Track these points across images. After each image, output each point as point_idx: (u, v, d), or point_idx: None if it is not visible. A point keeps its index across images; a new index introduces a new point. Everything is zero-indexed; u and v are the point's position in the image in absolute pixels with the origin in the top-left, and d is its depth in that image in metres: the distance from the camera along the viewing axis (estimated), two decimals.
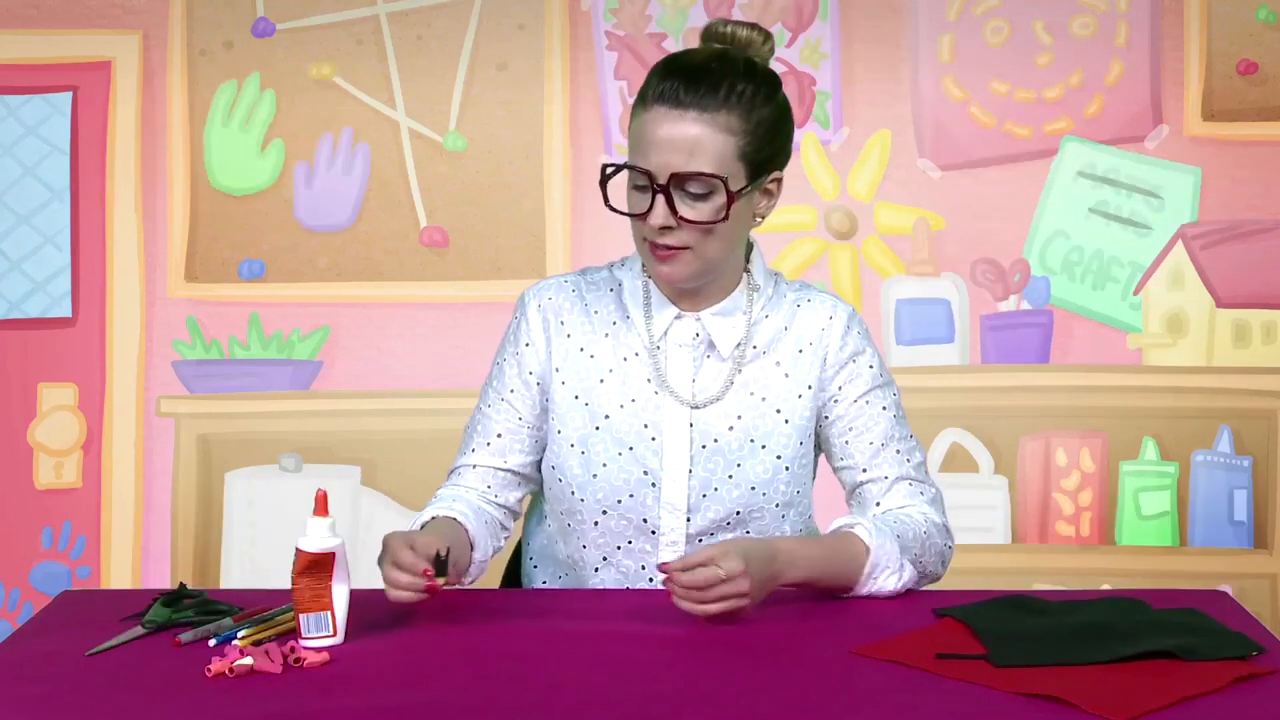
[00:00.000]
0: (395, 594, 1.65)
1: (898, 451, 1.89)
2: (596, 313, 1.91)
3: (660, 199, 1.76)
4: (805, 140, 3.30)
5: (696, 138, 1.75)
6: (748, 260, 1.91)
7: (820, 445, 1.94)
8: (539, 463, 1.94)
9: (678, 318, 1.87)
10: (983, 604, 1.73)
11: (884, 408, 1.89)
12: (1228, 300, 3.30)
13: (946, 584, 1.84)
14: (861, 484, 1.89)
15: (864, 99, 3.32)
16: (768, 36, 1.85)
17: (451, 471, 1.96)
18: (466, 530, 1.84)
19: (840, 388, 1.88)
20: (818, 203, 3.31)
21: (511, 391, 1.92)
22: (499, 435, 1.92)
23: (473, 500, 1.91)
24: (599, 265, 1.97)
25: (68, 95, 3.35)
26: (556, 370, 1.90)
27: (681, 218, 1.77)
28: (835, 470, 1.94)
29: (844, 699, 1.45)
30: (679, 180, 1.76)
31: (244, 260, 3.36)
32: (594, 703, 1.44)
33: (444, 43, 3.34)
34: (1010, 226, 3.32)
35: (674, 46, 3.26)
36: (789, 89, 3.34)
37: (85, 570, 3.36)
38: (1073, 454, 3.32)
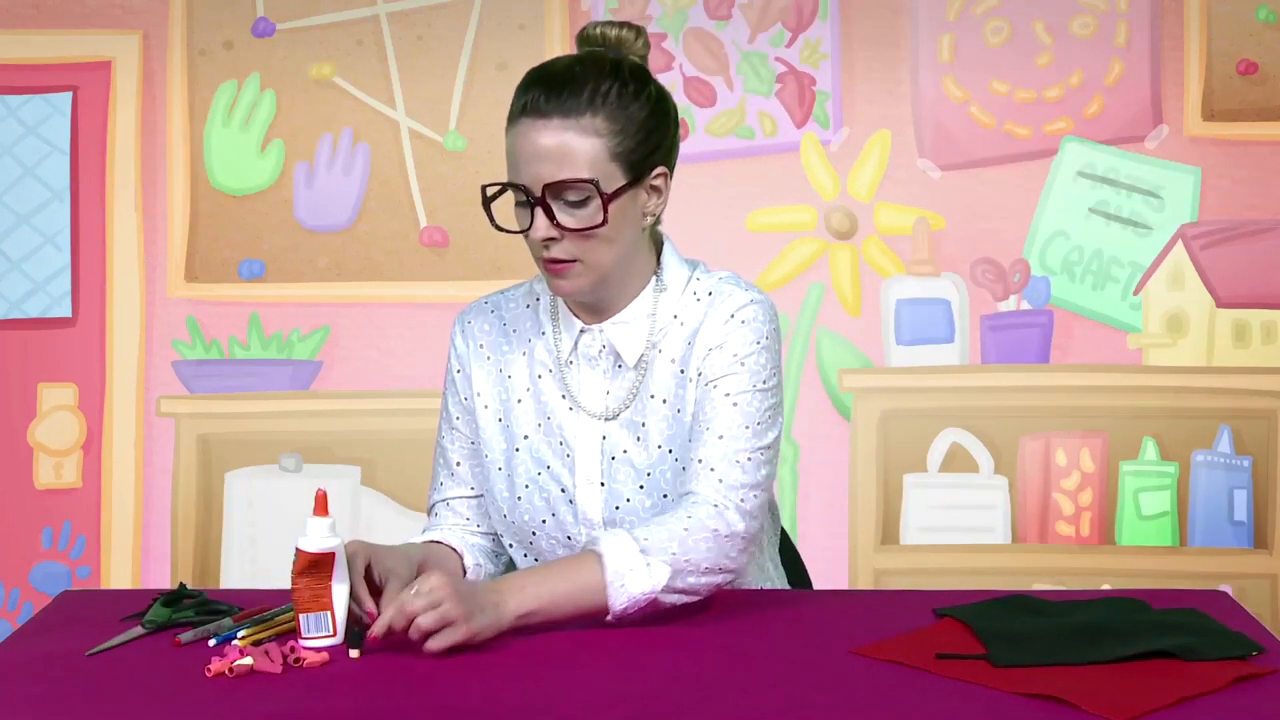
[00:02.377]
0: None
1: (720, 437, 1.77)
2: (515, 331, 1.89)
3: (539, 211, 1.72)
4: (805, 140, 3.30)
5: (563, 145, 1.71)
6: (661, 259, 1.85)
7: None
8: None
9: (583, 331, 1.84)
10: (983, 604, 1.73)
11: (727, 394, 1.78)
12: (1228, 300, 3.30)
13: (947, 584, 1.84)
14: (688, 467, 1.79)
15: (864, 99, 3.32)
16: (640, 33, 1.81)
17: (429, 511, 1.98)
18: (455, 549, 1.89)
19: (700, 373, 1.80)
20: (818, 203, 3.31)
21: (457, 419, 1.92)
22: (458, 464, 1.93)
23: (457, 534, 1.92)
24: (524, 281, 1.95)
25: (68, 95, 3.35)
26: (478, 395, 1.89)
27: (562, 227, 1.73)
28: None
29: (844, 699, 1.45)
30: (553, 190, 1.72)
31: (244, 260, 3.36)
32: (594, 703, 1.44)
33: (444, 43, 3.34)
34: (1010, 226, 3.32)
35: (674, 46, 3.26)
36: (789, 89, 3.37)
37: (85, 570, 3.36)
38: (1073, 454, 3.32)
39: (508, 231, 1.79)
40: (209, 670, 1.52)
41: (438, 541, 1.90)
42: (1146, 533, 3.33)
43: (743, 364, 1.79)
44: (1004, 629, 1.63)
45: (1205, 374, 3.32)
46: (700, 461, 1.77)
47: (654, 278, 1.84)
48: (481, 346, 1.91)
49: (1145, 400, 3.31)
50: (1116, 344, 3.32)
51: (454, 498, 1.94)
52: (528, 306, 1.90)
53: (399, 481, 3.35)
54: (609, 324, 1.83)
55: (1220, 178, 3.29)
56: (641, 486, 1.82)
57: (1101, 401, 3.31)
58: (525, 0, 3.31)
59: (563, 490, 1.84)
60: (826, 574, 3.23)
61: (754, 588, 1.91)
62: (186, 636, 1.64)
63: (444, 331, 3.33)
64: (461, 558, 1.90)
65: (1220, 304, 3.30)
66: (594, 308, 1.83)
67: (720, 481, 1.75)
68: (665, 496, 1.81)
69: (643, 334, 1.83)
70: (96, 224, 3.35)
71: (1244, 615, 1.73)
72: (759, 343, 1.80)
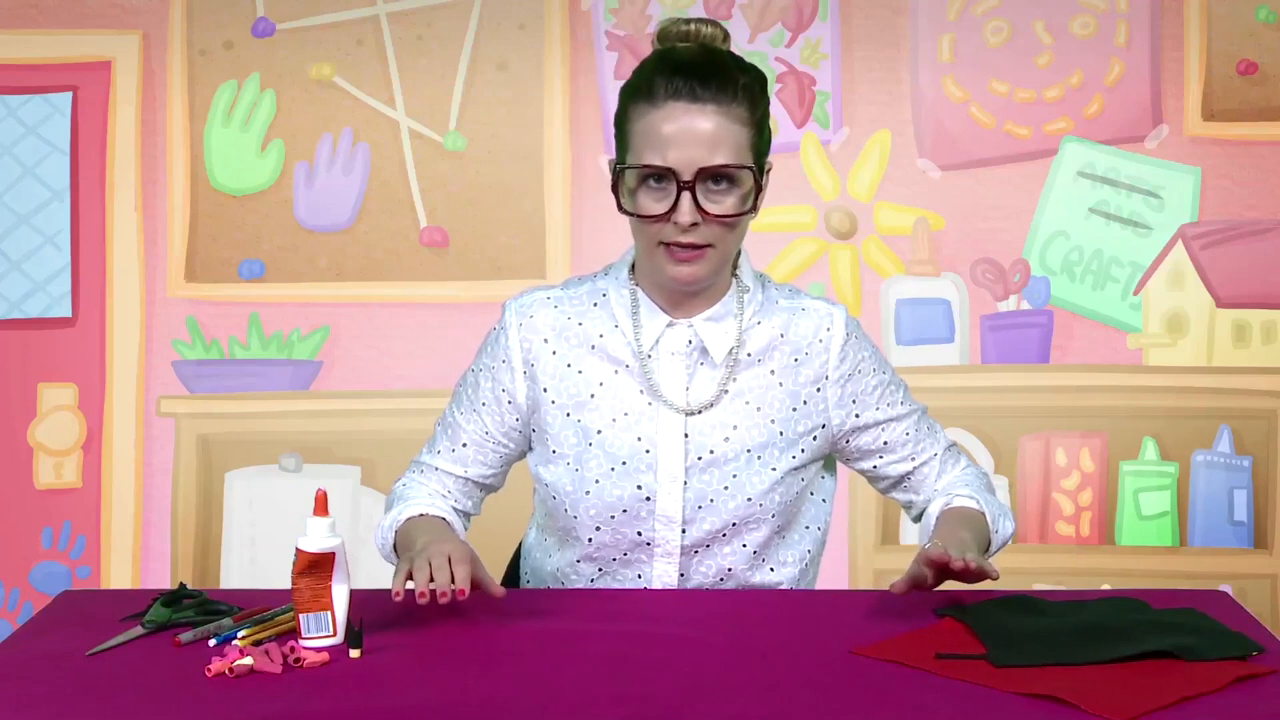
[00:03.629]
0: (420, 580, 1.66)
1: (929, 429, 1.95)
2: (581, 325, 1.88)
3: (686, 195, 1.73)
4: (805, 140, 3.31)
5: (716, 131, 1.73)
6: (738, 262, 1.89)
7: (839, 456, 1.96)
8: (501, 472, 1.96)
9: (669, 325, 1.84)
10: (982, 604, 1.73)
11: (901, 401, 1.93)
12: (1228, 300, 3.30)
13: (947, 584, 1.83)
14: (912, 472, 1.94)
15: (864, 99, 3.32)
16: (727, 34, 1.84)
17: (414, 462, 1.99)
18: (452, 527, 1.91)
19: (854, 401, 1.89)
20: (818, 203, 3.32)
21: (483, 404, 1.92)
22: (464, 445, 1.93)
23: (446, 505, 1.93)
24: (581, 276, 1.95)
25: (68, 95, 3.35)
26: (545, 390, 1.88)
27: (706, 213, 1.74)
28: (872, 470, 1.95)
29: (844, 699, 1.45)
30: (704, 174, 1.74)
31: (244, 260, 3.36)
32: (594, 703, 1.44)
33: (444, 43, 3.34)
34: (1010, 226, 3.32)
35: None
36: (789, 89, 3.37)
37: (85, 570, 3.36)
38: (1073, 454, 3.32)
39: (637, 216, 1.77)
40: (209, 670, 1.52)
41: (443, 519, 1.91)
42: (1146, 533, 3.33)
43: (884, 371, 1.93)
44: (1003, 629, 1.63)
45: (1205, 374, 3.32)
46: (943, 453, 1.95)
47: (734, 279, 1.87)
48: (546, 341, 1.88)
49: (1145, 400, 3.31)
50: (1116, 344, 3.32)
51: (444, 470, 1.94)
52: (595, 305, 1.88)
53: None
54: (700, 319, 1.84)
55: (1220, 178, 3.29)
56: (726, 487, 1.84)
57: (1101, 401, 3.31)
58: (525, 0, 3.31)
59: (639, 486, 1.83)
60: (827, 574, 3.23)
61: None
62: (186, 636, 1.64)
63: (444, 331, 3.36)
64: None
65: (1220, 304, 3.30)
66: (681, 303, 1.84)
67: (955, 463, 1.96)
68: (749, 500, 1.84)
69: (733, 332, 1.85)
70: (96, 224, 3.35)
71: (1244, 615, 1.73)
72: (874, 351, 1.93)
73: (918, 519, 1.98)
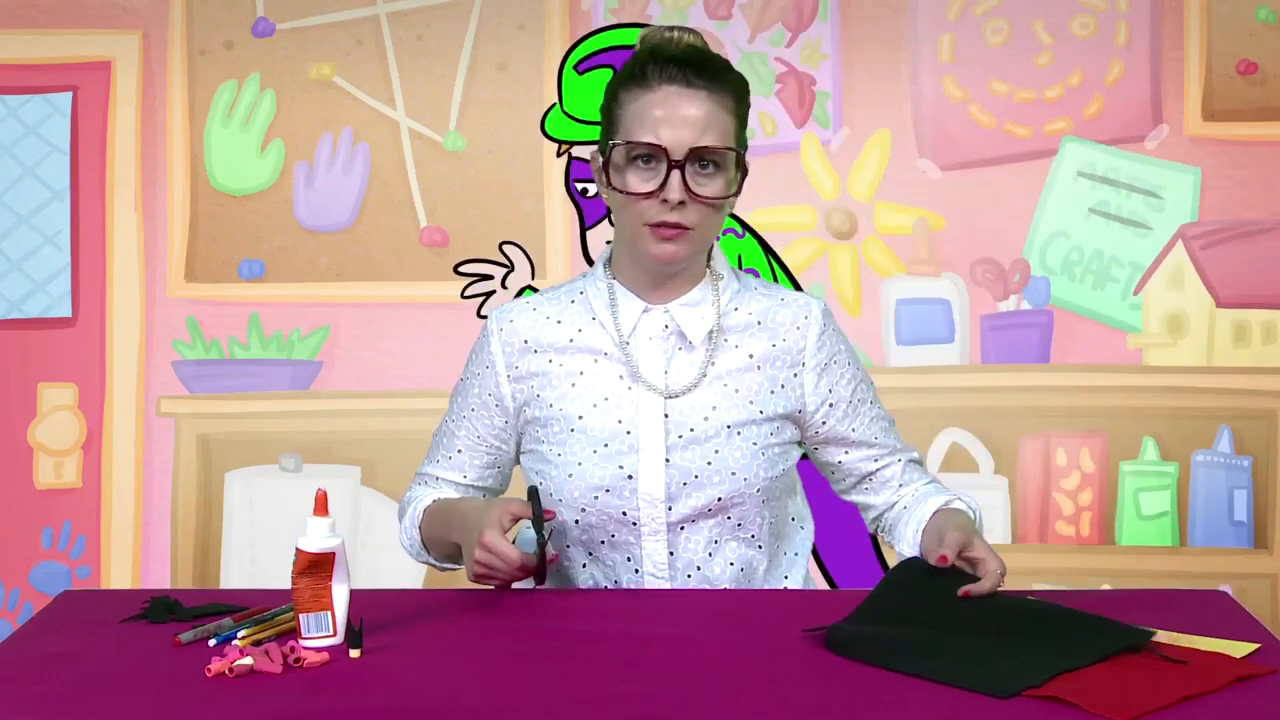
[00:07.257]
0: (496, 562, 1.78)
1: (896, 435, 2.00)
2: (560, 323, 1.94)
3: (676, 174, 1.79)
4: (805, 140, 3.30)
5: (708, 116, 1.81)
6: (712, 251, 1.95)
7: (807, 445, 1.99)
8: (498, 474, 2.03)
9: (645, 311, 1.90)
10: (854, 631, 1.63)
11: (871, 401, 1.98)
12: (1228, 300, 3.30)
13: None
14: (875, 472, 1.99)
15: (864, 99, 3.32)
16: (705, 43, 1.90)
17: (417, 473, 2.06)
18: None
19: (830, 390, 1.94)
20: (818, 203, 3.31)
21: (473, 410, 1.98)
22: (459, 451, 2.00)
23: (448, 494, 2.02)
24: (561, 283, 2.02)
25: (68, 95, 3.35)
26: (530, 388, 1.94)
27: (693, 193, 1.80)
28: (837, 464, 1.99)
29: (844, 700, 1.45)
30: (695, 155, 1.80)
31: (244, 260, 3.36)
32: (594, 703, 1.44)
33: (444, 43, 3.34)
34: (1010, 226, 3.32)
35: None
36: (789, 89, 3.37)
37: (85, 570, 3.36)
38: (1073, 454, 3.32)
39: (623, 193, 1.82)
40: (209, 670, 1.52)
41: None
42: (1146, 533, 3.33)
43: (858, 369, 1.98)
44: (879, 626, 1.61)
45: (1205, 374, 3.31)
46: (909, 460, 2.00)
47: (708, 268, 1.94)
48: (526, 342, 1.94)
49: (1145, 400, 3.31)
50: (1116, 344, 3.32)
51: (444, 479, 2.02)
52: (572, 302, 1.95)
53: (399, 481, 3.35)
54: (675, 304, 1.90)
55: (1220, 178, 3.29)
56: (709, 463, 1.87)
57: (1101, 401, 3.31)
58: (525, 0, 3.31)
59: (620, 467, 1.87)
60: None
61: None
62: (186, 636, 1.64)
63: (444, 331, 3.36)
64: None
65: (1220, 304, 3.30)
66: (658, 288, 1.90)
67: (920, 473, 2.00)
68: (734, 474, 1.87)
69: (710, 317, 1.90)
70: (96, 224, 3.35)
71: (1244, 615, 1.73)
72: (848, 346, 1.98)
73: (875, 523, 2.03)
